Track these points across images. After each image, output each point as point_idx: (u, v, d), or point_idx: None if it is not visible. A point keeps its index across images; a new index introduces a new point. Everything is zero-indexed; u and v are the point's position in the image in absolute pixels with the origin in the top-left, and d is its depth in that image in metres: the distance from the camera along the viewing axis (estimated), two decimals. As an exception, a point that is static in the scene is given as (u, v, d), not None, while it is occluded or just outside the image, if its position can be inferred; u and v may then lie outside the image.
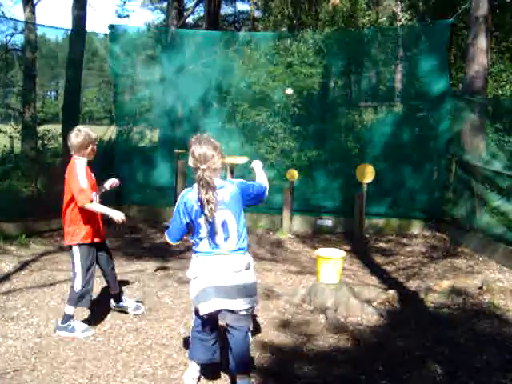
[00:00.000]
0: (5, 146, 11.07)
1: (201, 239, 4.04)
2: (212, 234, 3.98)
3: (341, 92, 12.38)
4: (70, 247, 5.23)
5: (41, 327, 5.39)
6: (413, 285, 7.14)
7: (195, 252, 4.13)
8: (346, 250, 6.71)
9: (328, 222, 10.84)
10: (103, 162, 11.85)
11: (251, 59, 11.71)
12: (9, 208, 9.47)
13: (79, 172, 5.10)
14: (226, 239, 4.00)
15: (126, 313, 5.77)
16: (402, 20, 19.42)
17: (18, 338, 5.08)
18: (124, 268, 7.71)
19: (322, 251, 6.26)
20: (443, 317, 5.89)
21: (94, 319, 5.55)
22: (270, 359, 4.71)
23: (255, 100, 11.65)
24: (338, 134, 11.65)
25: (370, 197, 9.97)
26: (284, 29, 23.28)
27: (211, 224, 3.96)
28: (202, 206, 3.92)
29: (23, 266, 7.62)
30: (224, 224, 3.96)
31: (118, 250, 8.78)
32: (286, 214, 10.43)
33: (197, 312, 4.12)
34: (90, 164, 5.34)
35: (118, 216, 5.21)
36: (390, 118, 11.68)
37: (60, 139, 11.48)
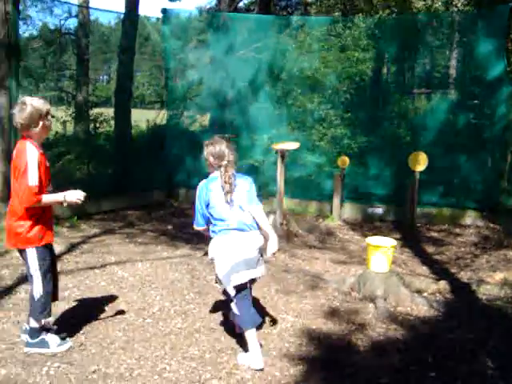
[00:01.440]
0: (57, 130, 11.22)
1: (222, 220, 4.46)
2: (233, 216, 4.45)
3: (394, 78, 12.21)
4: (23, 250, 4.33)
5: (91, 307, 5.45)
6: (464, 276, 6.99)
7: (216, 232, 4.51)
8: (396, 239, 6.60)
9: (379, 209, 10.70)
10: (154, 145, 11.97)
11: (303, 44, 11.58)
12: (60, 189, 9.63)
13: (30, 162, 4.06)
14: (243, 220, 4.48)
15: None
16: (458, 5, 18.94)
17: (68, 318, 5.15)
18: (173, 251, 7.78)
19: (372, 239, 6.17)
20: (495, 309, 5.75)
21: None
22: (317, 347, 4.67)
23: (307, 85, 11.54)
24: (391, 121, 11.47)
25: (422, 185, 9.77)
26: (337, 13, 23.01)
27: (232, 207, 4.46)
28: (225, 193, 4.45)
29: (74, 247, 7.75)
30: (241, 207, 4.48)
31: (167, 234, 8.85)
32: (336, 201, 10.33)
33: (225, 290, 4.50)
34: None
35: (72, 197, 4.26)
36: (443, 104, 11.42)
37: (112, 122, 11.60)
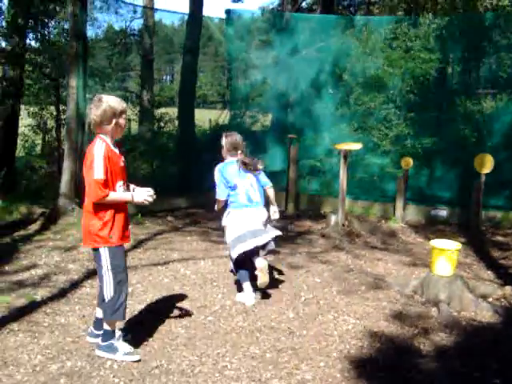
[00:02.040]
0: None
1: (237, 195, 5.74)
2: (246, 192, 5.74)
3: (459, 78, 11.98)
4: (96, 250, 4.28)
5: (154, 304, 5.55)
6: (531, 282, 6.80)
7: (231, 204, 5.80)
8: (460, 242, 6.46)
9: (443, 212, 10.52)
10: (215, 145, 12.08)
11: (367, 44, 11.49)
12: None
13: (96, 156, 4.07)
14: (254, 197, 5.78)
15: None
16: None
17: (132, 312, 5.25)
18: (235, 250, 7.83)
19: (437, 242, 6.08)
20: None
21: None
22: (378, 349, 4.63)
23: (370, 85, 11.45)
24: (455, 122, 11.26)
25: (487, 188, 9.55)
26: (400, 12, 22.72)
27: (245, 185, 5.74)
28: (241, 174, 5.76)
29: (138, 243, 7.91)
30: (252, 185, 5.77)
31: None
32: (399, 202, 10.22)
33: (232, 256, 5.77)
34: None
35: (140, 197, 4.29)
36: (510, 106, 11.15)
37: (176, 122, 11.78)
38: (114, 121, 4.15)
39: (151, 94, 13.64)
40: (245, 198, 5.71)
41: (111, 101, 4.15)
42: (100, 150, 4.07)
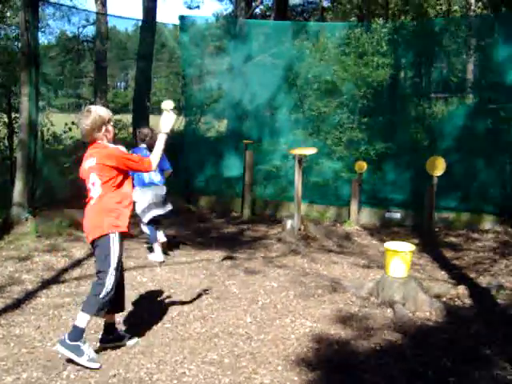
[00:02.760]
0: (71, 138, 11.25)
1: (142, 174, 7.06)
2: (149, 173, 7.01)
3: (411, 83, 12.20)
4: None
5: (111, 312, 5.50)
6: (483, 281, 6.95)
7: (137, 182, 7.14)
8: (414, 244, 6.57)
9: (396, 214, 10.68)
10: (172, 152, 12.02)
11: (320, 49, 11.61)
12: (81, 195, 9.71)
13: (115, 147, 4.52)
14: (155, 177, 7.37)
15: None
16: (475, 9, 18.92)
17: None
18: (192, 257, 7.83)
19: (390, 244, 6.17)
20: (515, 315, 5.72)
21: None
22: (335, 351, 4.67)
23: (324, 91, 11.57)
24: (408, 126, 11.47)
25: (440, 190, 9.74)
26: (353, 18, 23.06)
27: None
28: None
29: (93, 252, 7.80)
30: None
31: (186, 239, 8.90)
32: (353, 205, 10.35)
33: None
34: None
35: (168, 126, 4.78)
36: (461, 109, 11.43)
37: (130, 129, 11.70)
38: (103, 128, 4.48)
39: (105, 100, 13.51)
40: (147, 178, 7.31)
41: (99, 110, 4.52)
42: (111, 144, 4.55)
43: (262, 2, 24.74)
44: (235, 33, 12.62)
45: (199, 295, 6.08)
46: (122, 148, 4.61)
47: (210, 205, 11.68)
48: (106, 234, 4.37)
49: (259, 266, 7.40)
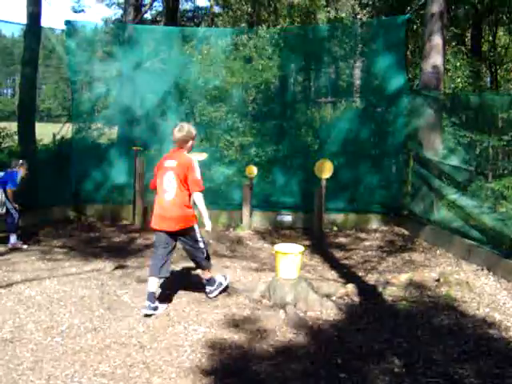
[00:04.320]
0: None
1: None
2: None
3: (300, 88, 12.44)
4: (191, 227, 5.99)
5: (-4, 329, 5.29)
6: (371, 278, 7.22)
7: None
8: (305, 246, 6.73)
9: (288, 217, 10.88)
10: (60, 160, 11.69)
11: (209, 55, 11.67)
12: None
13: (196, 166, 6.08)
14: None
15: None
16: (362, 16, 19.56)
17: (-28, 340, 4.97)
18: (82, 267, 7.64)
19: (280, 246, 6.27)
20: (401, 310, 5.95)
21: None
22: (229, 356, 4.70)
23: (213, 96, 11.62)
24: (297, 130, 11.72)
25: (329, 192, 10.02)
26: (243, 25, 23.26)
27: None
28: None
29: (-24, 266, 7.48)
30: None
31: (75, 250, 8.68)
32: (245, 210, 10.45)
33: None
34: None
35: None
36: (348, 113, 11.77)
37: (16, 137, 11.28)
38: (191, 142, 6.04)
39: (-12, 108, 12.97)
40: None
41: (191, 127, 6.07)
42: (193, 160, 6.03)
43: (151, 8, 24.52)
44: (124, 38, 12.43)
45: (90, 306, 5.95)
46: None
47: (100, 213, 11.44)
48: None
49: (152, 273, 7.31)
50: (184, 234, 5.96)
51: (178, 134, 5.95)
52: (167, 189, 5.87)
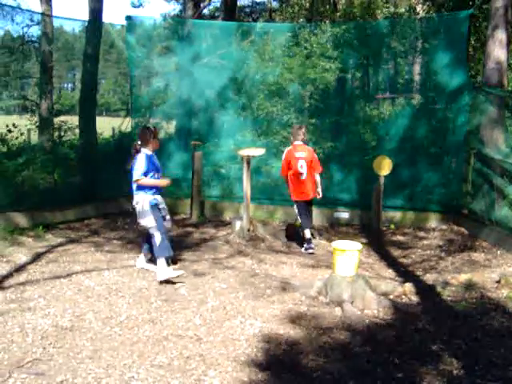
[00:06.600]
0: (17, 138, 10.93)
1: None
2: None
3: (358, 84, 12.32)
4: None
5: (57, 317, 5.39)
6: (430, 278, 7.08)
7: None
8: (362, 243, 6.66)
9: (345, 214, 10.79)
10: (120, 153, 11.87)
11: (267, 51, 11.65)
12: (25, 199, 9.50)
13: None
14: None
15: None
16: (421, 12, 19.22)
17: (35, 327, 5.09)
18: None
19: (338, 243, 6.23)
20: (460, 311, 5.82)
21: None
22: (285, 351, 4.69)
23: (271, 91, 11.60)
24: (355, 127, 11.58)
25: (387, 189, 9.87)
26: (301, 20, 23.17)
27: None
28: None
29: (40, 256, 7.66)
30: None
31: (133, 242, 8.79)
32: (301, 206, 10.38)
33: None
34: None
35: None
36: (407, 110, 11.57)
37: (76, 131, 11.50)
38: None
39: (51, 102, 13.24)
40: None
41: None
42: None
43: (210, 3, 24.66)
44: (183, 34, 12.52)
45: (148, 298, 6.03)
46: None
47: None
48: None
49: (208, 267, 7.37)
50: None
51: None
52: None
